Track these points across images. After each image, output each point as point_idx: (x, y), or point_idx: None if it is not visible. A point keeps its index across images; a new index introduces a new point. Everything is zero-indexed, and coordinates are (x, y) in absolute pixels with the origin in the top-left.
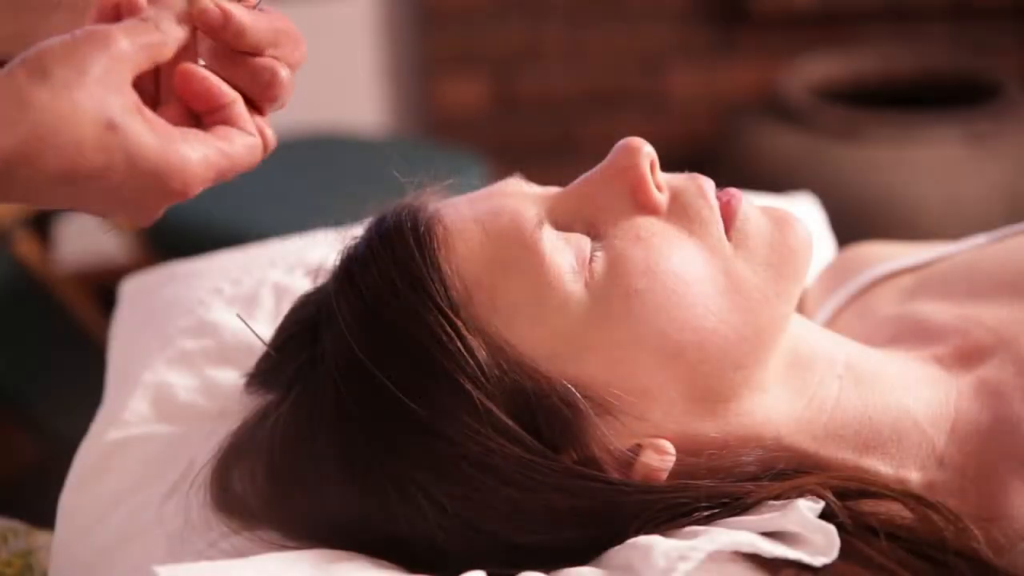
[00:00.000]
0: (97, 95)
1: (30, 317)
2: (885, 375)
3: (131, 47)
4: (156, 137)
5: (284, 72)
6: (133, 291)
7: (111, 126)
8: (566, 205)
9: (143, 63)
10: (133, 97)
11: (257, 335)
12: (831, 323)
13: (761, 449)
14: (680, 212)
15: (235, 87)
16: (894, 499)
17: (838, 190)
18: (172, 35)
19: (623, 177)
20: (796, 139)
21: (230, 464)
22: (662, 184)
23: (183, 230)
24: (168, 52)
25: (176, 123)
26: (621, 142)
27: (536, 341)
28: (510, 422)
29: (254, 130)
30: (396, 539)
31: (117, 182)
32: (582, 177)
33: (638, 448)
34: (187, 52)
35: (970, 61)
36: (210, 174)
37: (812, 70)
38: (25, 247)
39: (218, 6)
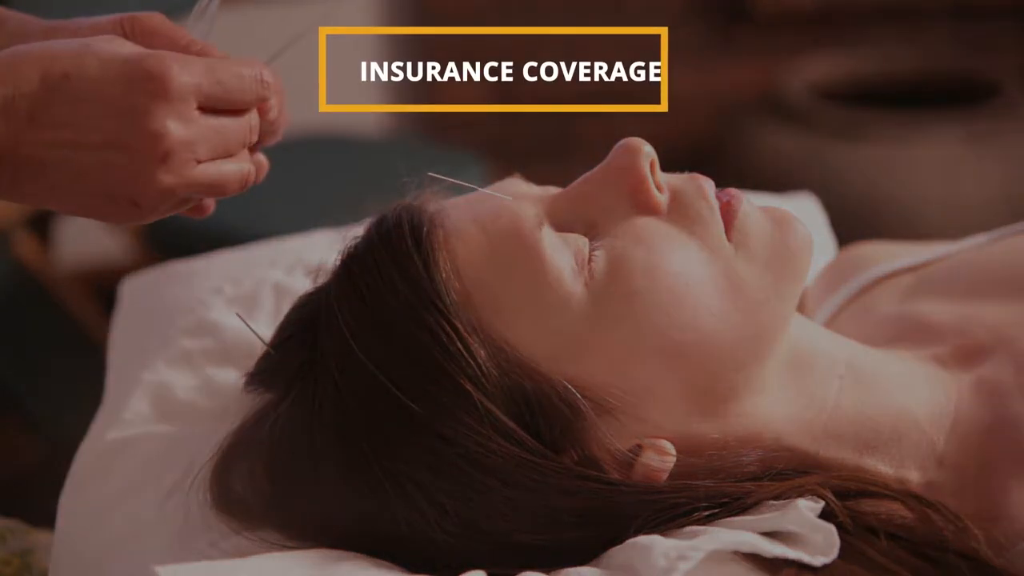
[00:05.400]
0: None
1: (30, 317)
2: (885, 375)
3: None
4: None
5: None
6: (133, 291)
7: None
8: (566, 205)
9: None
10: None
11: (257, 335)
12: (831, 323)
13: (761, 449)
14: (680, 212)
15: None
16: (894, 499)
17: (838, 190)
18: None
19: (623, 177)
20: (796, 139)
21: (230, 464)
22: (662, 184)
23: (183, 230)
24: None
25: None
26: (621, 142)
27: (536, 341)
28: (510, 423)
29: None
30: (396, 539)
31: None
32: (582, 177)
33: (638, 448)
34: None
35: (970, 61)
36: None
37: (812, 70)
38: (25, 247)
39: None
